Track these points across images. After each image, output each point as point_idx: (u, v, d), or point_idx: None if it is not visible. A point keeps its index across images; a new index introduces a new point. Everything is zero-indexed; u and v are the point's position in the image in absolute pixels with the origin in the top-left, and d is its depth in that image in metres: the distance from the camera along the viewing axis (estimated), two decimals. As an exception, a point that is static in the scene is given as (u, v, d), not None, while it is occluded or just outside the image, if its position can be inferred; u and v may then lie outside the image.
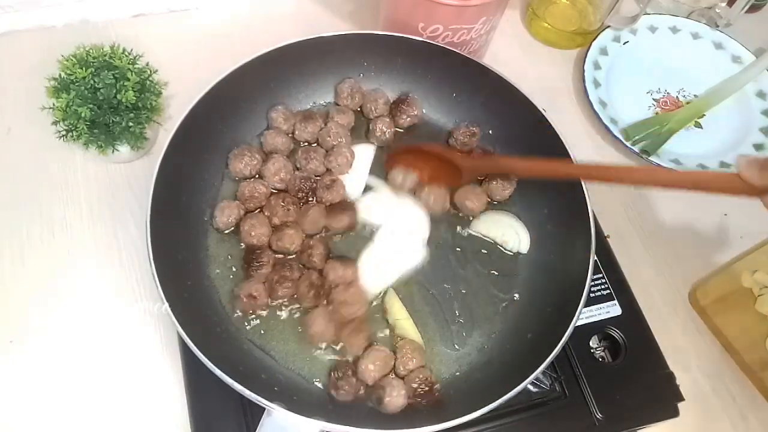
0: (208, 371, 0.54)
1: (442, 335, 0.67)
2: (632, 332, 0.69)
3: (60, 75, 0.68)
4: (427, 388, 0.61)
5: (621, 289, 0.72)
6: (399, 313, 0.66)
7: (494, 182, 0.73)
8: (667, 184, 0.59)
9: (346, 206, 0.71)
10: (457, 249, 0.72)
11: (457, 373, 0.64)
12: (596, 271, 0.71)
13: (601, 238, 0.75)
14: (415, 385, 0.61)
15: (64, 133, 0.69)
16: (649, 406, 0.66)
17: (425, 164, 0.72)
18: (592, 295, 0.70)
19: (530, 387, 0.64)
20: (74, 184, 0.75)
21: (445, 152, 0.72)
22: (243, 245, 0.68)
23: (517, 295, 0.70)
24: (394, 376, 0.62)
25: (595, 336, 0.69)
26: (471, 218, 0.74)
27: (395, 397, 0.59)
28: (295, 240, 0.67)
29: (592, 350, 0.68)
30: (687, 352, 0.73)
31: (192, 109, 0.66)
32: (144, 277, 0.70)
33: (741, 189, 0.49)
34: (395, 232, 0.71)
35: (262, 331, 0.64)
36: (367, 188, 0.74)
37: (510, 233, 0.72)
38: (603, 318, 0.70)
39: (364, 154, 0.76)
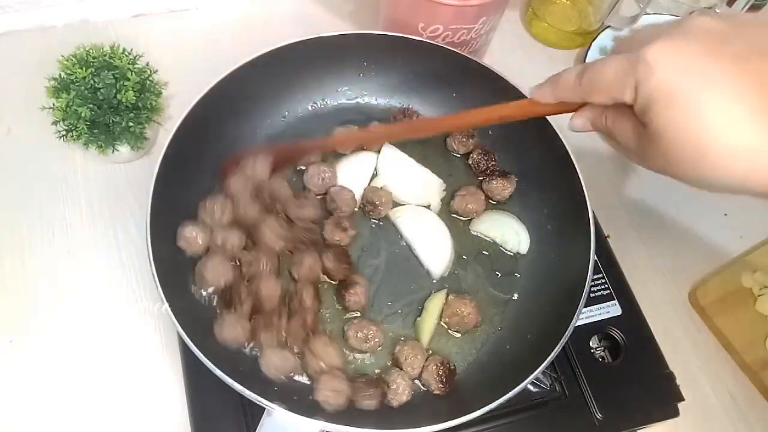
0: (208, 371, 0.54)
1: (442, 335, 0.67)
2: (632, 332, 0.69)
3: (60, 75, 0.68)
4: (447, 372, 0.62)
5: (621, 289, 0.72)
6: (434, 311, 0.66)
7: (494, 182, 0.73)
8: (472, 124, 0.67)
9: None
10: (457, 249, 0.72)
11: (457, 373, 0.64)
12: (596, 271, 0.71)
13: (601, 238, 0.75)
14: (435, 377, 0.61)
15: (64, 133, 0.69)
16: (649, 406, 0.66)
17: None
18: (592, 295, 0.70)
19: (530, 387, 0.64)
20: (74, 184, 0.75)
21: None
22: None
23: (516, 295, 0.70)
24: (399, 370, 0.62)
25: (595, 336, 0.69)
26: (470, 218, 0.74)
27: (399, 394, 0.60)
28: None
29: (592, 350, 0.68)
30: (687, 352, 0.73)
31: (192, 109, 0.66)
32: (144, 277, 0.70)
33: (540, 110, 0.52)
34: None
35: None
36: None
37: (510, 233, 0.72)
38: (603, 318, 0.70)
39: (366, 163, 0.75)
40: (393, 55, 0.77)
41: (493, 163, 0.76)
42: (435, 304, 0.67)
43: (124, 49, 0.71)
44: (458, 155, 0.78)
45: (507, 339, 0.67)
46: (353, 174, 0.74)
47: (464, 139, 0.76)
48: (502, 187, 0.73)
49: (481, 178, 0.76)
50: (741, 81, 0.37)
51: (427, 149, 0.78)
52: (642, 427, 0.65)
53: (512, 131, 0.76)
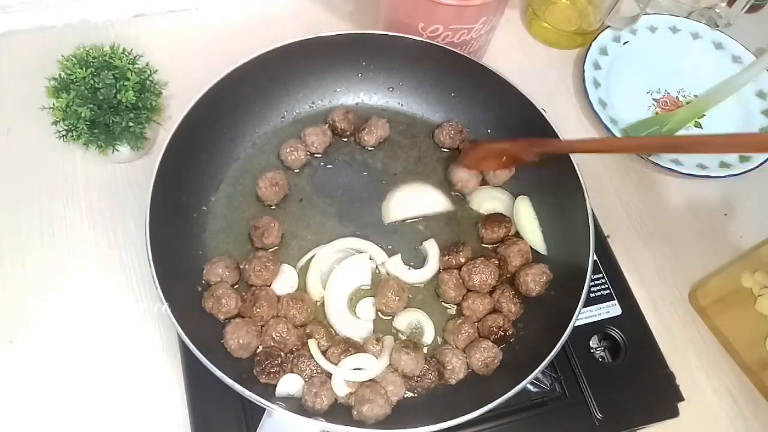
0: (208, 371, 0.54)
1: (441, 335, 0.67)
2: (632, 332, 0.69)
3: (60, 75, 0.68)
4: (502, 333, 0.64)
5: (621, 289, 0.72)
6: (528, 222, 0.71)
7: (490, 173, 0.74)
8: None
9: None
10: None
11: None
12: (596, 271, 0.71)
13: (601, 238, 0.75)
14: (494, 328, 0.64)
15: (64, 133, 0.69)
16: (649, 406, 0.66)
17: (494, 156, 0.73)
18: (592, 295, 0.70)
19: (530, 387, 0.64)
20: (74, 184, 0.75)
21: (503, 145, 0.72)
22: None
23: (517, 295, 0.70)
24: (453, 347, 0.64)
25: (595, 336, 0.69)
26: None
27: (456, 372, 0.62)
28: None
29: (592, 350, 0.68)
30: (687, 352, 0.73)
31: (192, 109, 0.66)
32: (144, 277, 0.70)
33: None
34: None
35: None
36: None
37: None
38: (603, 318, 0.70)
39: (360, 268, 0.69)
40: (392, 55, 0.77)
41: None
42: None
43: (124, 49, 0.71)
44: (447, 150, 0.78)
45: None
46: (346, 278, 0.68)
47: (452, 134, 0.76)
48: (495, 177, 0.74)
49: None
50: None
51: (420, 149, 0.78)
52: (642, 427, 0.65)
53: (512, 131, 0.75)
